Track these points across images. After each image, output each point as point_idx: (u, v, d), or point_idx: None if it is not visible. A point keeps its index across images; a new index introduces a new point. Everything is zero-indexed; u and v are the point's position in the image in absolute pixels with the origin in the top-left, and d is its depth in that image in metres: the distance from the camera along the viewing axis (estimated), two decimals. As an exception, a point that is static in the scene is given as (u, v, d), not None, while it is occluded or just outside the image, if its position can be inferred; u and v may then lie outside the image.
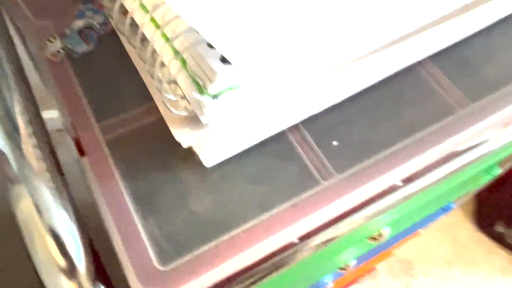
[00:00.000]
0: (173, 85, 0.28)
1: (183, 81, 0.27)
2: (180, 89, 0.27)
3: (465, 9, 0.34)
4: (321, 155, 0.30)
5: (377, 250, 0.64)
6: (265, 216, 0.28)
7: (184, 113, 0.27)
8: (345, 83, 0.32)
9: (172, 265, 0.26)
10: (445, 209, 0.67)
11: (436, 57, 0.35)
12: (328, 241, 0.36)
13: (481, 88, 0.34)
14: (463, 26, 0.34)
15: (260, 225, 0.27)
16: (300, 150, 0.30)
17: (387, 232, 0.48)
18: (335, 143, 0.31)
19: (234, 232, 0.27)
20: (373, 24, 0.30)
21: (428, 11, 0.33)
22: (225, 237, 0.27)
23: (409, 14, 0.32)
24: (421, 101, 0.33)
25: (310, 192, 0.29)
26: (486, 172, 0.57)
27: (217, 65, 0.25)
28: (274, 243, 0.27)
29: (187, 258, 0.26)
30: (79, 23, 0.34)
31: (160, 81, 0.26)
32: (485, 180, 0.58)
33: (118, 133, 0.30)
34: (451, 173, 0.43)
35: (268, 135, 0.30)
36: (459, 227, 1.20)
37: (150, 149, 0.29)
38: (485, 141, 0.44)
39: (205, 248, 0.27)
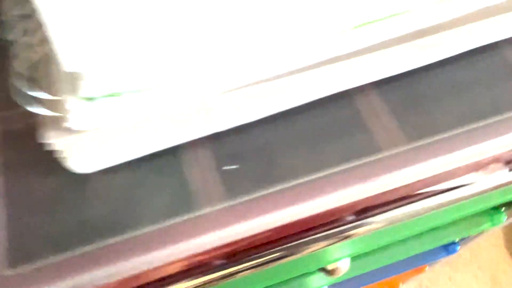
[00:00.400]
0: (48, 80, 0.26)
1: (58, 79, 0.25)
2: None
3: (421, 33, 0.30)
4: (217, 177, 0.28)
5: (362, 282, 0.59)
6: (127, 236, 0.26)
7: (50, 113, 0.26)
8: (259, 102, 0.29)
9: (18, 270, 0.25)
10: (449, 250, 0.61)
11: (380, 85, 0.30)
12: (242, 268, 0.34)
13: (423, 128, 0.29)
14: (414, 54, 0.30)
15: (118, 246, 0.25)
16: (194, 169, 0.28)
17: (344, 266, 0.44)
18: (234, 166, 0.28)
19: (92, 247, 0.26)
20: (293, 38, 0.27)
21: (372, 32, 0.28)
22: (82, 250, 0.25)
23: (350, 34, 0.28)
24: (349, 132, 0.29)
25: (186, 217, 0.26)
26: (488, 219, 0.51)
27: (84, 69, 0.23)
28: (128, 269, 0.25)
29: (38, 265, 0.25)
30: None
31: (19, 75, 0.25)
32: (488, 227, 0.51)
33: (13, 127, 0.29)
34: (415, 214, 0.38)
35: (156, 149, 0.28)
36: (502, 267, 1.10)
37: (38, 148, 0.29)
38: (462, 185, 0.39)
39: (57, 259, 0.25)
